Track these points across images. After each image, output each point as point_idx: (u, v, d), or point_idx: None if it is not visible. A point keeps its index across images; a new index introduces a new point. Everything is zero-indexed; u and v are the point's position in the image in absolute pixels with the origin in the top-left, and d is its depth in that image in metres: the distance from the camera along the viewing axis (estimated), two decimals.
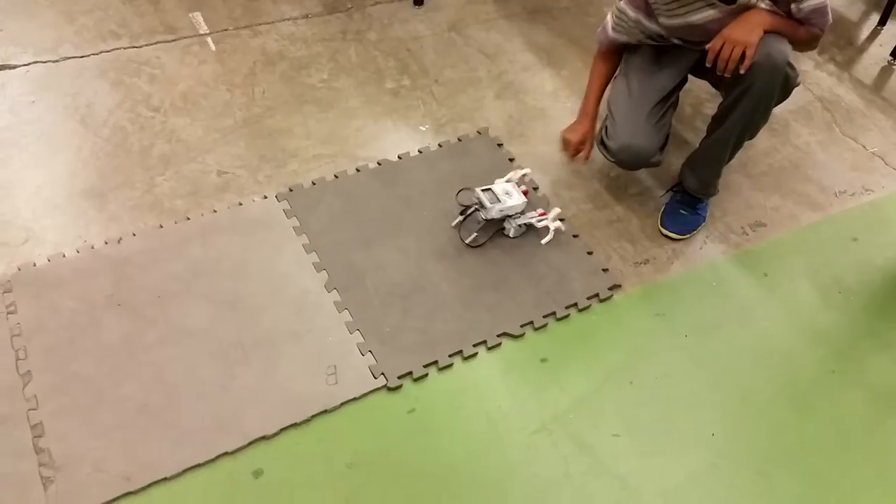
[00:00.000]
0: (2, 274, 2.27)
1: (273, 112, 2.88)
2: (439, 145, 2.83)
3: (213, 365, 2.11)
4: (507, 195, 2.42)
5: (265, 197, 2.58)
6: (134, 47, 3.07)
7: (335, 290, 2.33)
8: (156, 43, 3.10)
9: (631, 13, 2.35)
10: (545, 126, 2.96)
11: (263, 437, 1.98)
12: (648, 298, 2.41)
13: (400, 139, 2.84)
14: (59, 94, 2.84)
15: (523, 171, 2.57)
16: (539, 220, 2.47)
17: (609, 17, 2.46)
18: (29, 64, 2.94)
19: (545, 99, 3.08)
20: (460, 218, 2.49)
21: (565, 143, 2.64)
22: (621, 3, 2.36)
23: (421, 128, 2.90)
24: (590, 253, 2.52)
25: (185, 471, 1.91)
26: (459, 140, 2.86)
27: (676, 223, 2.60)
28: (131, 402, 2.02)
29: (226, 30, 3.19)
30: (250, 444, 1.97)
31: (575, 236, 2.57)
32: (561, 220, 2.52)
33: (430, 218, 2.55)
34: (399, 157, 2.76)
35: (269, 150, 2.74)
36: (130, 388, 2.05)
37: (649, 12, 2.30)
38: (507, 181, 2.51)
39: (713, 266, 2.52)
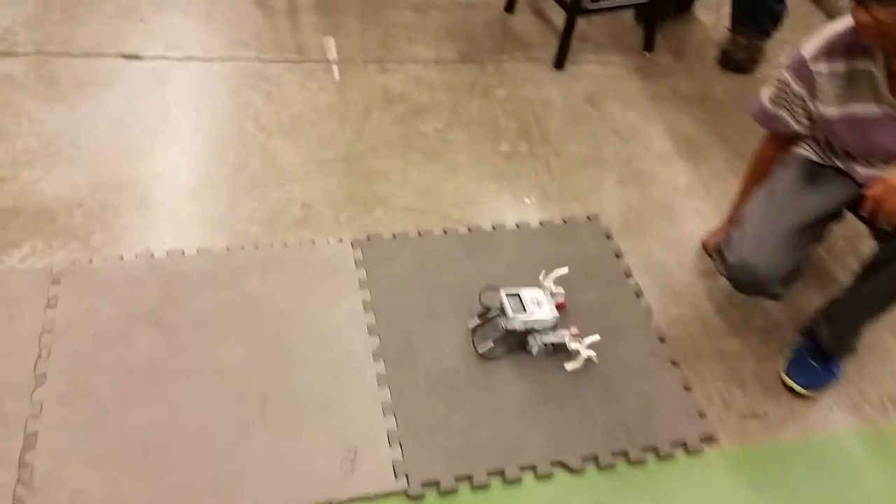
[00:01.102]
0: (57, 262, 2.18)
1: (376, 153, 2.70)
2: (540, 223, 2.54)
3: (230, 415, 1.90)
4: (535, 305, 2.10)
5: (340, 240, 2.38)
6: (260, 60, 3.01)
7: (382, 361, 2.07)
8: (282, 61, 3.03)
9: (795, 86, 1.98)
10: (667, 225, 2.60)
11: None
12: (748, 463, 1.97)
13: (499, 207, 2.58)
14: (174, 93, 2.81)
15: (560, 273, 2.22)
16: (571, 342, 2.10)
17: (767, 88, 2.09)
18: (155, 58, 2.94)
19: (674, 194, 2.72)
20: (477, 321, 2.16)
21: (706, 248, 2.40)
22: (786, 73, 1.98)
23: (526, 199, 2.62)
24: (687, 388, 2.13)
25: None
26: (564, 222, 2.55)
27: (804, 374, 2.14)
28: (134, 435, 1.84)
29: (354, 61, 3.07)
30: None
31: (673, 363, 2.18)
32: (591, 349, 2.13)
33: None
34: (493, 226, 2.50)
35: (361, 191, 2.55)
36: (138, 419, 1.87)
37: (812, 92, 1.91)
38: (541, 287, 2.19)
39: (836, 440, 2.05)
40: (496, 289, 2.15)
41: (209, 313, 2.12)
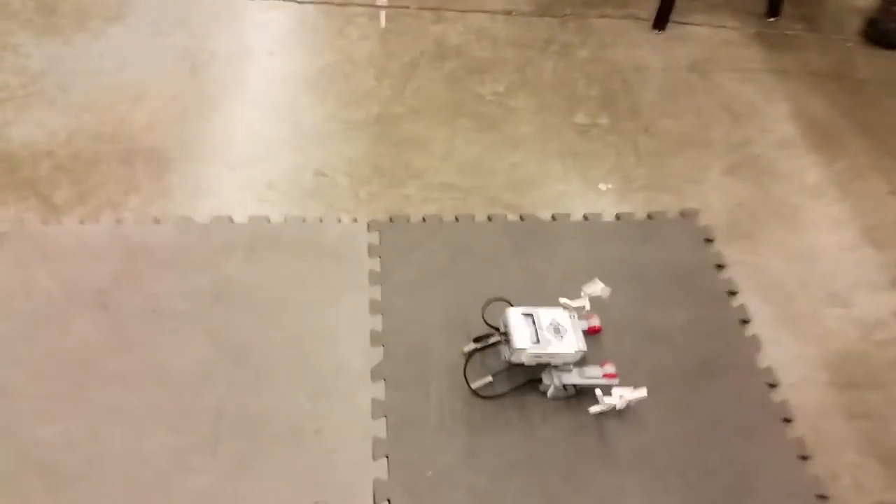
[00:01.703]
0: (4, 220, 1.77)
1: (417, 116, 2.17)
2: (617, 216, 1.94)
3: (170, 437, 1.43)
4: (554, 333, 1.51)
5: (355, 220, 1.87)
6: (296, 0, 2.53)
7: (382, 382, 1.55)
8: (321, 2, 2.54)
9: None
10: (789, 232, 1.96)
11: None
12: None
13: (565, 193, 2.00)
14: (187, 32, 2.35)
15: (594, 290, 1.60)
16: (604, 386, 1.52)
17: None
18: None
19: (801, 194, 2.07)
20: (473, 345, 1.58)
21: None
22: None
23: (601, 186, 2.03)
24: (804, 458, 1.51)
25: None
26: (650, 217, 1.95)
27: None
28: (41, 453, 1.40)
29: (406, 6, 2.55)
30: None
31: (786, 421, 1.56)
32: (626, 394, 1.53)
33: None
34: (554, 217, 1.92)
35: (391, 161, 2.03)
36: (50, 432, 1.42)
37: None
38: (566, 308, 1.57)
39: None
40: (507, 303, 1.58)
41: (171, 300, 1.65)
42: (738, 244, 1.91)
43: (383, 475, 1.41)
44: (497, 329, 1.57)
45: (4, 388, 1.48)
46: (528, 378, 1.55)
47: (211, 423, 1.46)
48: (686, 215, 1.96)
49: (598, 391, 1.49)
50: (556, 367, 1.52)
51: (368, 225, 1.85)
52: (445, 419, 1.50)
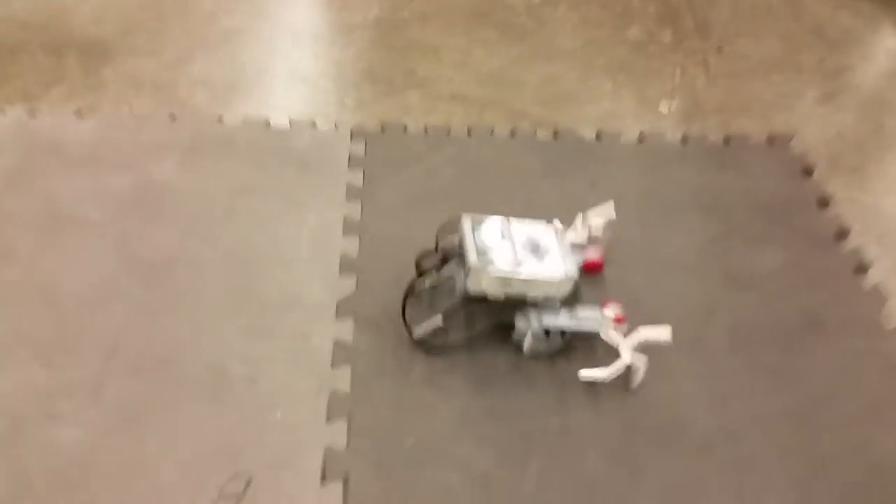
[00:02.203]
0: None
1: (426, 23, 1.74)
2: (683, 139, 1.48)
3: (37, 376, 0.98)
4: (532, 252, 1.02)
5: (335, 126, 1.43)
6: None
7: (351, 320, 1.09)
8: None
9: None
10: None
11: None
12: None
13: (613, 111, 1.54)
14: None
15: (601, 214, 1.17)
16: (612, 331, 1.05)
17: None
18: None
19: None
20: (419, 280, 1.09)
21: None
22: None
23: (662, 106, 1.57)
24: None
25: None
26: (727, 142, 1.48)
27: None
28: None
29: None
30: None
31: None
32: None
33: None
34: (599, 135, 1.46)
35: (389, 68, 1.60)
36: None
37: None
38: (579, 224, 1.15)
39: None
40: (470, 217, 1.06)
41: (77, 205, 1.22)
42: (844, 179, 1.43)
43: (340, 442, 0.94)
44: (446, 255, 1.07)
45: None
46: (497, 320, 1.07)
47: (99, 358, 1.01)
48: (775, 142, 1.49)
49: (612, 339, 1.02)
50: (534, 305, 1.04)
51: (352, 132, 1.41)
52: (434, 372, 1.03)
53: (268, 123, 1.41)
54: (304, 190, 1.29)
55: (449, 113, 1.49)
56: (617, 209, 1.21)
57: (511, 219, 1.06)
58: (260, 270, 1.15)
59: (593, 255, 1.17)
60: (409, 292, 1.06)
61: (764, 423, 1.02)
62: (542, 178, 1.35)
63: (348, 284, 1.14)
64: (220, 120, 1.41)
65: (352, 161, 1.35)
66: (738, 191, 1.37)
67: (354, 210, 1.26)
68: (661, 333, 1.03)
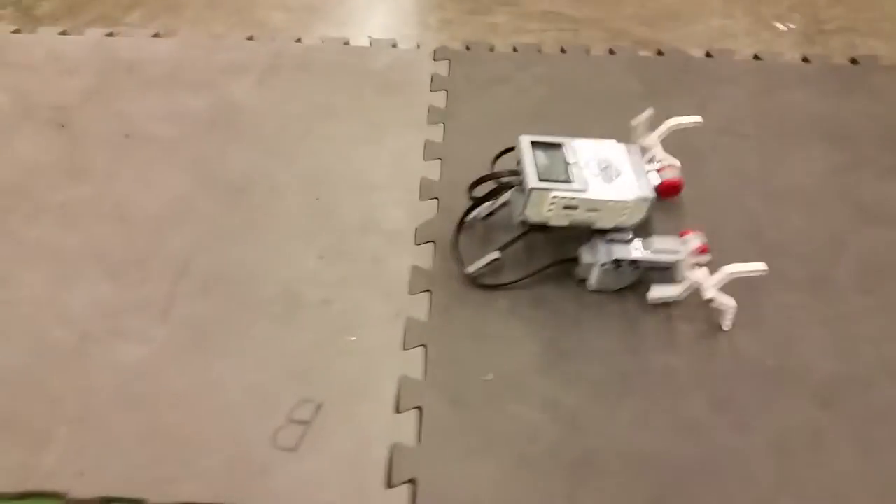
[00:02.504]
0: None
1: None
2: (805, 59, 1.31)
3: (106, 293, 0.95)
4: (601, 172, 0.90)
5: (418, 46, 1.34)
6: None
7: (431, 247, 1.01)
8: None
9: None
10: None
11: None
12: None
13: (726, 30, 1.39)
14: None
15: (683, 122, 1.04)
16: (686, 264, 0.92)
17: None
18: None
19: None
20: (475, 212, 0.99)
21: None
22: None
23: (779, 24, 1.40)
24: None
25: None
26: (854, 62, 1.30)
27: None
28: None
29: None
30: None
31: None
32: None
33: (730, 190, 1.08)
34: (709, 54, 1.31)
35: None
36: None
37: None
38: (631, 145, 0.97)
39: None
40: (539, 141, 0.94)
41: (152, 124, 1.18)
42: None
43: (416, 371, 0.87)
44: (505, 181, 0.95)
45: None
46: (562, 254, 0.95)
47: (169, 277, 0.97)
48: None
49: (689, 277, 0.90)
50: (602, 233, 0.92)
51: (435, 52, 1.32)
52: (520, 304, 0.94)
53: (347, 44, 1.34)
54: (384, 112, 1.21)
55: (540, 33, 1.37)
56: (731, 133, 1.07)
57: (577, 138, 0.94)
58: (337, 193, 1.08)
59: (672, 174, 1.02)
60: (462, 224, 0.96)
61: None
62: (644, 100, 1.21)
63: (428, 209, 1.06)
64: (298, 40, 1.34)
65: (434, 82, 1.26)
66: (867, 117, 1.20)
67: (436, 133, 1.17)
68: (751, 267, 0.89)
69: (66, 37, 1.35)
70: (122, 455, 0.79)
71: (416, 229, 1.04)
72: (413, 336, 0.91)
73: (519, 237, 0.94)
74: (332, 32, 1.37)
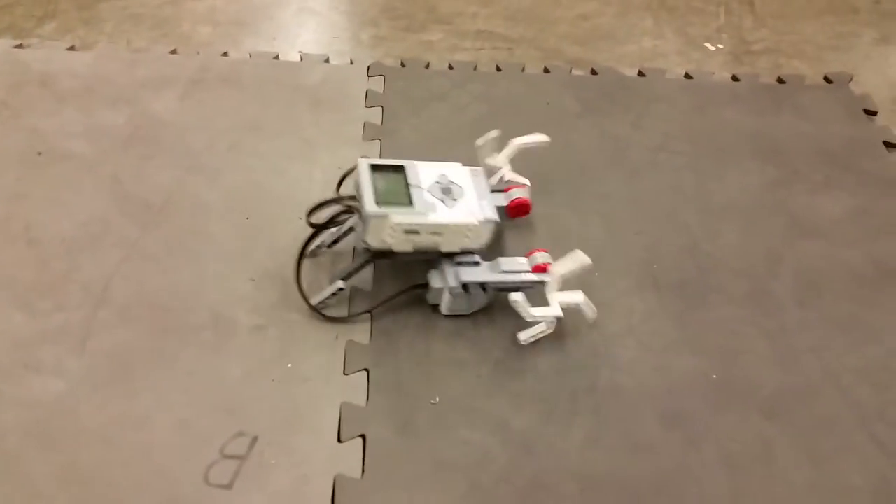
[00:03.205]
0: None
1: None
2: (734, 78, 1.34)
3: (18, 322, 0.87)
4: (443, 195, 0.89)
5: (351, 62, 1.30)
6: None
7: (377, 282, 0.97)
8: None
9: None
10: None
11: None
12: None
13: (656, 49, 1.41)
14: None
15: (531, 141, 1.06)
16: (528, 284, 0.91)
17: None
18: None
19: None
20: (320, 239, 0.96)
21: None
22: None
23: (708, 45, 1.43)
24: None
25: None
26: (781, 81, 1.34)
27: None
28: None
29: None
30: None
31: None
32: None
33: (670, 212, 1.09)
34: (641, 72, 1.33)
35: (406, 3, 1.47)
36: None
37: None
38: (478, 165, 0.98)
39: None
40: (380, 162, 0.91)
41: (67, 140, 1.10)
42: None
43: (359, 398, 0.83)
44: (348, 206, 0.91)
45: None
46: (412, 280, 0.93)
47: (86, 305, 0.89)
48: (834, 81, 1.35)
49: (512, 296, 0.87)
50: (448, 257, 0.90)
51: (369, 68, 1.28)
52: (464, 325, 0.91)
53: (277, 58, 1.29)
54: (317, 128, 1.16)
55: (475, 51, 1.36)
56: (666, 150, 1.08)
57: (419, 161, 0.92)
58: (269, 212, 1.03)
59: (520, 192, 1.00)
60: (303, 253, 0.92)
61: (841, 381, 0.89)
62: (580, 118, 1.22)
63: None
64: (225, 54, 1.29)
65: (369, 98, 1.22)
66: (796, 134, 1.23)
67: (372, 150, 1.14)
68: (576, 261, 0.88)
69: None
70: (38, 501, 0.71)
71: (353, 249, 0.99)
72: (354, 360, 0.87)
73: (363, 265, 0.90)
74: (262, 47, 1.32)
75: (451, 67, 1.31)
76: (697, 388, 0.87)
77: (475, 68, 1.31)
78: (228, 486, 0.74)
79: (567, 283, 0.89)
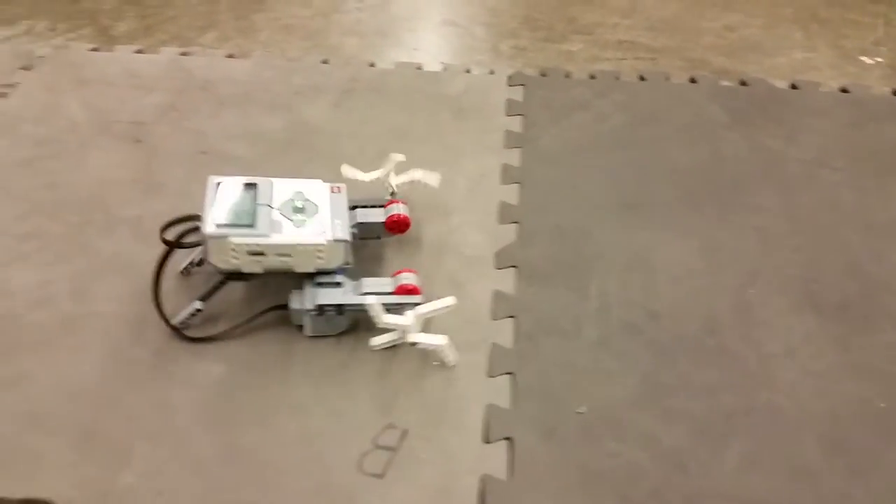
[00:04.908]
0: (52, 46, 1.38)
1: None
2: (895, 92, 1.26)
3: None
4: (294, 213, 0.86)
5: (491, 72, 1.32)
6: None
7: (513, 272, 0.97)
8: None
9: None
10: None
11: None
12: None
13: (807, 62, 1.35)
14: None
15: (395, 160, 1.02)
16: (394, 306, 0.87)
17: None
18: None
19: None
20: (191, 257, 0.94)
21: None
22: None
23: (866, 58, 1.36)
24: None
25: None
26: None
27: None
28: (13, 303, 0.94)
29: None
30: None
31: None
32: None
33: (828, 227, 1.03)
34: (794, 85, 1.27)
35: (548, 14, 1.47)
36: (26, 282, 0.96)
37: None
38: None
39: None
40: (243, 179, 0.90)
41: (228, 142, 1.17)
42: None
43: (503, 401, 0.83)
44: (197, 216, 0.87)
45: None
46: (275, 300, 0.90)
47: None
48: None
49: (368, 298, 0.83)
50: (310, 277, 0.87)
51: (510, 78, 1.30)
52: (612, 335, 0.90)
53: (420, 69, 1.33)
54: (460, 136, 1.18)
55: (617, 61, 1.35)
56: (824, 165, 1.03)
57: (278, 179, 0.89)
58: (414, 215, 1.05)
59: (398, 209, 0.95)
60: (159, 271, 0.88)
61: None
62: (729, 129, 1.18)
63: (508, 233, 1.03)
64: (372, 65, 1.33)
65: (510, 107, 1.23)
66: None
67: (513, 157, 1.14)
68: (442, 304, 0.85)
69: (142, 55, 1.36)
70: (202, 476, 0.76)
71: (496, 253, 1.00)
72: (498, 363, 0.87)
73: (217, 286, 0.87)
74: (405, 57, 1.36)
75: (592, 77, 1.30)
76: (863, 416, 0.82)
77: (617, 78, 1.29)
78: (381, 476, 0.76)
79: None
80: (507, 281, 0.96)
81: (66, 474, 0.76)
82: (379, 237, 0.97)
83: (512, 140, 1.17)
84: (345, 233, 0.86)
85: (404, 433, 0.80)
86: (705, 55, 1.36)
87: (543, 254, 0.99)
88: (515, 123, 1.20)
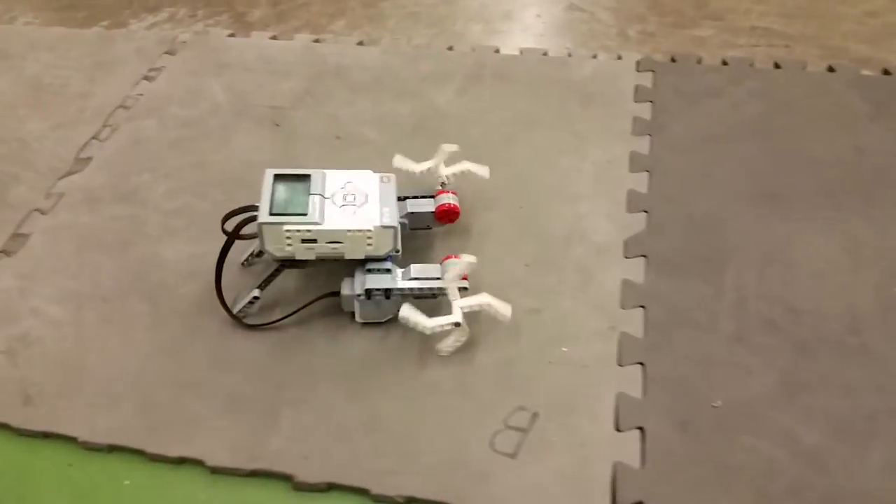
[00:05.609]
0: (191, 32, 1.46)
1: None
2: None
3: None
4: (345, 202, 0.89)
5: (619, 57, 1.31)
6: None
7: (642, 261, 0.97)
8: None
9: None
10: None
11: None
12: None
13: None
14: None
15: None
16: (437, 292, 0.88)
17: None
18: None
19: None
20: (252, 249, 0.98)
21: None
22: None
23: None
24: None
25: None
26: None
27: None
28: (162, 273, 1.01)
29: None
30: None
31: None
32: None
33: None
34: None
35: (675, 0, 1.44)
36: (176, 253, 1.04)
37: None
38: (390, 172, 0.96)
39: None
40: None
41: (360, 126, 1.21)
42: None
43: (634, 390, 0.83)
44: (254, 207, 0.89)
45: (136, 195, 1.13)
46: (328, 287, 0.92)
47: None
48: None
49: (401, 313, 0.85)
50: (361, 264, 0.89)
51: (638, 64, 1.28)
52: (748, 329, 0.88)
53: (545, 55, 1.33)
54: (587, 122, 1.18)
55: (750, 48, 1.31)
56: None
57: (331, 171, 0.92)
58: (541, 202, 1.07)
59: (448, 199, 0.97)
60: (221, 260, 0.90)
61: None
62: (871, 121, 1.13)
63: (637, 222, 1.02)
64: (497, 51, 1.35)
65: (638, 93, 1.22)
66: None
67: (642, 145, 1.13)
68: (501, 308, 0.86)
69: (277, 41, 1.42)
70: (345, 443, 0.80)
71: (625, 242, 1.00)
72: (629, 352, 0.87)
73: (273, 274, 0.91)
74: (530, 43, 1.37)
75: (724, 63, 1.26)
76: None
77: (751, 65, 1.25)
78: (513, 456, 0.78)
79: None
80: (636, 270, 0.96)
81: (218, 437, 0.82)
82: (429, 227, 1.00)
83: (640, 127, 1.16)
84: (393, 220, 0.89)
85: (535, 416, 0.81)
86: (844, 43, 1.30)
87: (674, 244, 0.98)
88: (644, 110, 1.19)
